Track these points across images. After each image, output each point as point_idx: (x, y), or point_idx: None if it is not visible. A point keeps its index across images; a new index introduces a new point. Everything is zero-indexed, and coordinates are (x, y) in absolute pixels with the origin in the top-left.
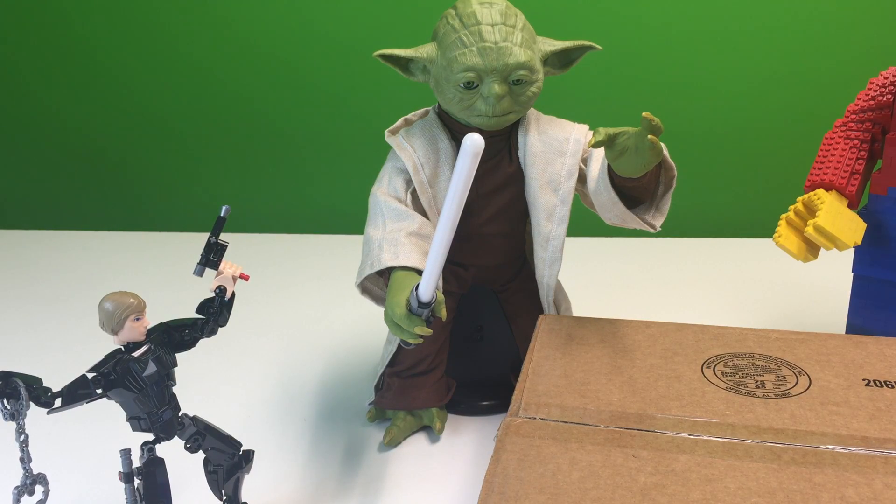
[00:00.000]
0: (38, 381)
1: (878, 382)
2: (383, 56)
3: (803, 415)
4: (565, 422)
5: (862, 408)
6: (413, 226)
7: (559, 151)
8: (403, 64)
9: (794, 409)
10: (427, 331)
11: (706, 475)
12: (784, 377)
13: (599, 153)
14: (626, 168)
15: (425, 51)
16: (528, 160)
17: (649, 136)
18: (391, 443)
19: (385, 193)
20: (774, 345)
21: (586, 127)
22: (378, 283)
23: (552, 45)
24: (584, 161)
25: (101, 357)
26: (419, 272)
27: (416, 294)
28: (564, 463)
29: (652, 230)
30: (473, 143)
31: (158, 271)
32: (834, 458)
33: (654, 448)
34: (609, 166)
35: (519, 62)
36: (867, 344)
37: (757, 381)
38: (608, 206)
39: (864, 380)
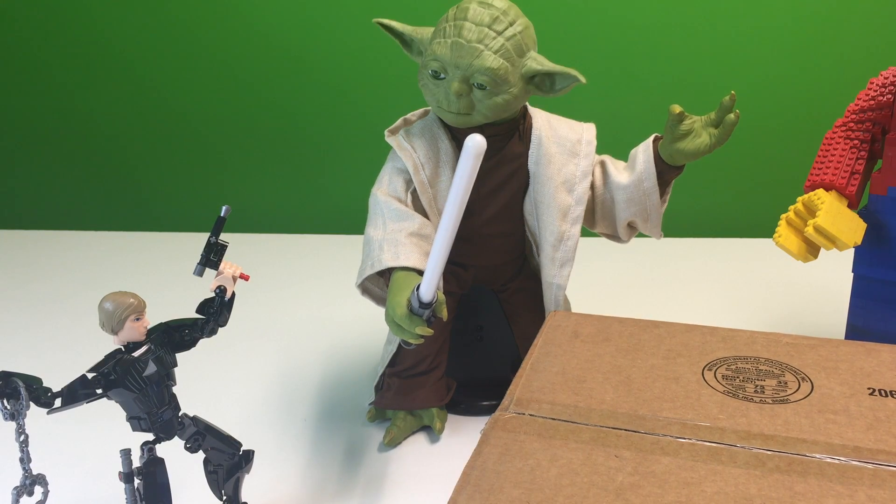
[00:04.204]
0: (38, 381)
1: (883, 392)
2: (382, 25)
3: (797, 422)
4: (553, 419)
5: (861, 417)
6: (413, 226)
7: (572, 152)
8: (406, 40)
9: (788, 416)
10: (428, 331)
11: (685, 478)
12: (786, 383)
13: (619, 163)
14: (684, 150)
15: (422, 33)
16: (542, 160)
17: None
18: (391, 443)
19: (385, 194)
20: (783, 349)
21: (594, 127)
22: (378, 284)
23: (540, 64)
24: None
25: (101, 357)
26: (420, 272)
27: (417, 294)
28: (544, 459)
29: (657, 237)
30: (476, 143)
31: (158, 271)
32: (820, 468)
33: (638, 449)
34: (656, 158)
35: (484, 66)
36: (881, 352)
37: (757, 386)
38: (635, 199)
39: (868, 388)
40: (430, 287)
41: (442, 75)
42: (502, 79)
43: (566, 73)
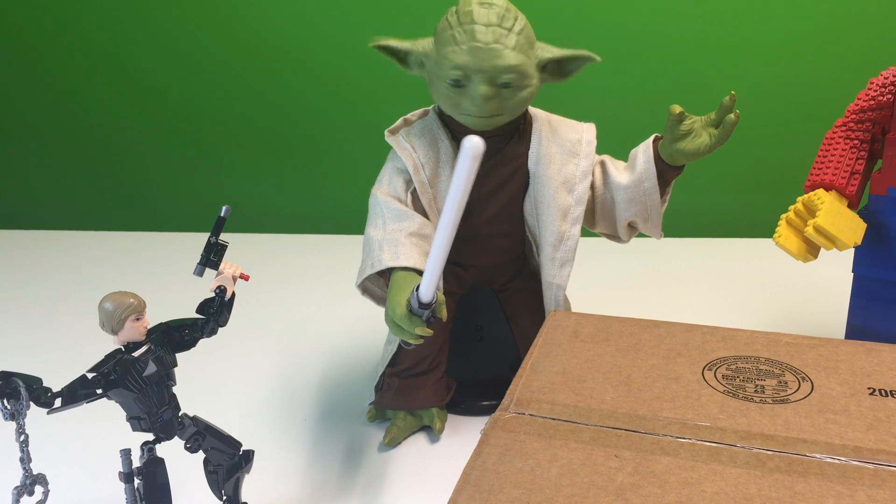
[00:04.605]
0: (38, 381)
1: (883, 392)
2: (379, 46)
3: (798, 422)
4: (554, 419)
5: (861, 417)
6: (413, 226)
7: (572, 153)
8: (402, 56)
9: (788, 416)
10: (428, 331)
11: (685, 478)
12: (786, 382)
13: (619, 163)
14: (684, 150)
15: (422, 45)
16: (542, 160)
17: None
18: (391, 443)
19: (385, 193)
20: (783, 349)
21: (594, 127)
22: (378, 284)
23: (550, 51)
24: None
25: (101, 357)
26: (419, 272)
27: (417, 295)
28: (545, 459)
29: (658, 237)
30: (473, 145)
31: (158, 271)
32: (820, 468)
33: (638, 449)
34: (656, 158)
35: (508, 65)
36: (881, 352)
37: (757, 386)
38: (635, 199)
39: (868, 388)
40: (429, 287)
41: (463, 82)
42: (524, 73)
43: (579, 54)
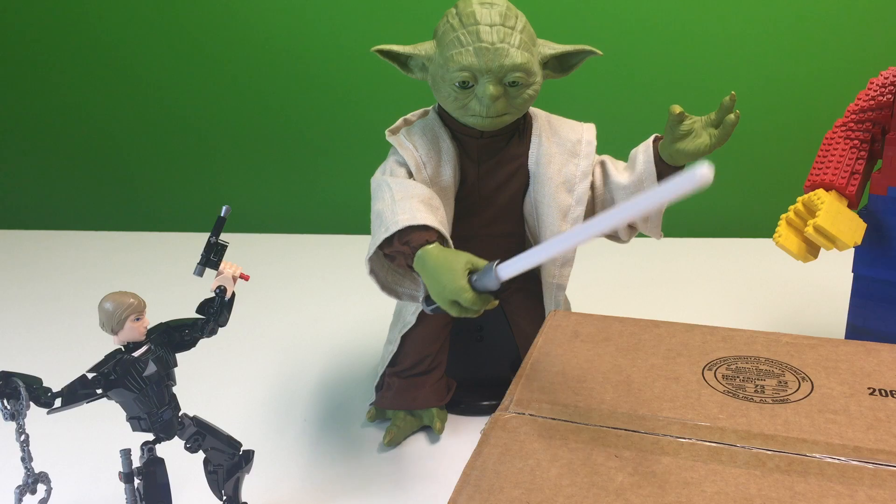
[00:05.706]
0: (38, 381)
1: (883, 392)
2: (381, 52)
3: (798, 421)
4: (554, 419)
5: (861, 417)
6: (423, 193)
7: (572, 153)
8: (402, 61)
9: (788, 416)
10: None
11: (685, 478)
12: (786, 382)
13: (619, 163)
14: (685, 150)
15: (424, 48)
16: (542, 160)
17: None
18: (391, 443)
19: (387, 174)
20: (783, 349)
21: (594, 127)
22: (383, 268)
23: (552, 48)
24: (598, 164)
25: (101, 357)
26: (440, 234)
27: (496, 273)
28: (545, 459)
29: (658, 237)
30: (703, 175)
31: (158, 271)
32: (820, 468)
33: (638, 449)
34: (656, 159)
35: (515, 64)
36: (881, 352)
37: (757, 386)
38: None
39: (868, 388)
40: (514, 272)
41: (470, 83)
42: (531, 71)
43: (580, 49)
